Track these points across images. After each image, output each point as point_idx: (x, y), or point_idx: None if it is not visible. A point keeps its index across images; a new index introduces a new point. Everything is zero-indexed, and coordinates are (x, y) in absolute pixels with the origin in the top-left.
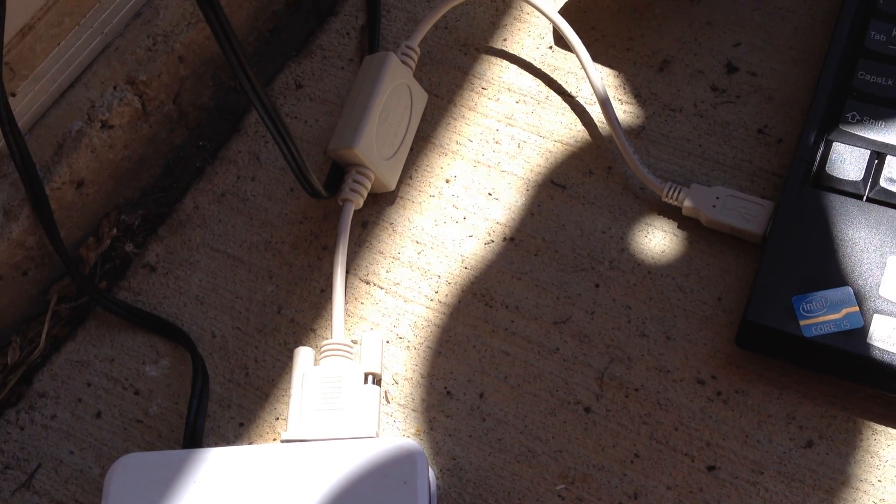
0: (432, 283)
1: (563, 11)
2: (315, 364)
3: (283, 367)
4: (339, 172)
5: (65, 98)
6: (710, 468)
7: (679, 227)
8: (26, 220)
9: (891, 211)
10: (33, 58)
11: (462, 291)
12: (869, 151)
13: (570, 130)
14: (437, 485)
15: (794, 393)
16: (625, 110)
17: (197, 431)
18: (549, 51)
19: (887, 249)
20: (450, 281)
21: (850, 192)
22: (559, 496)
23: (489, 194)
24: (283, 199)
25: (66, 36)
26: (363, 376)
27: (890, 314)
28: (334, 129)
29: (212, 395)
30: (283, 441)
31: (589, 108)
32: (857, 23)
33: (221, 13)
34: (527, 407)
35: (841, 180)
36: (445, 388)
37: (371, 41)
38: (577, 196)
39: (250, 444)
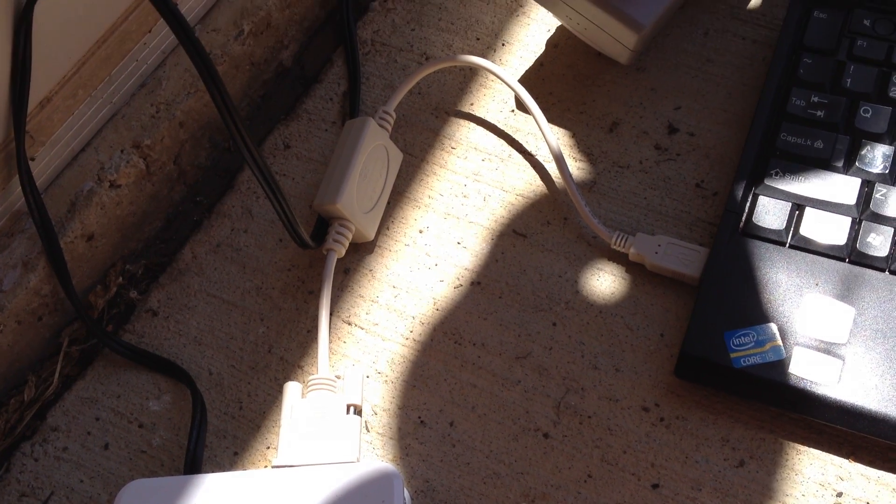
0: (407, 323)
1: (523, 79)
2: (302, 397)
3: (273, 400)
4: (324, 225)
5: (77, 161)
6: (655, 486)
7: (626, 271)
8: (42, 270)
9: (809, 256)
10: (51, 126)
11: (434, 330)
12: (790, 203)
13: (530, 185)
14: None
15: (728, 418)
16: (578, 167)
17: (196, 459)
18: (511, 114)
19: (806, 290)
20: (423, 321)
21: (774, 239)
22: None
23: (458, 243)
24: (273, 249)
25: (80, 106)
26: (346, 407)
27: (808, 346)
28: (319, 186)
29: (209, 426)
30: (274, 467)
31: (547, 165)
32: (780, 89)
33: (223, 87)
34: (492, 433)
35: (766, 229)
36: (419, 417)
37: (352, 106)
38: (537, 244)
39: (244, 470)
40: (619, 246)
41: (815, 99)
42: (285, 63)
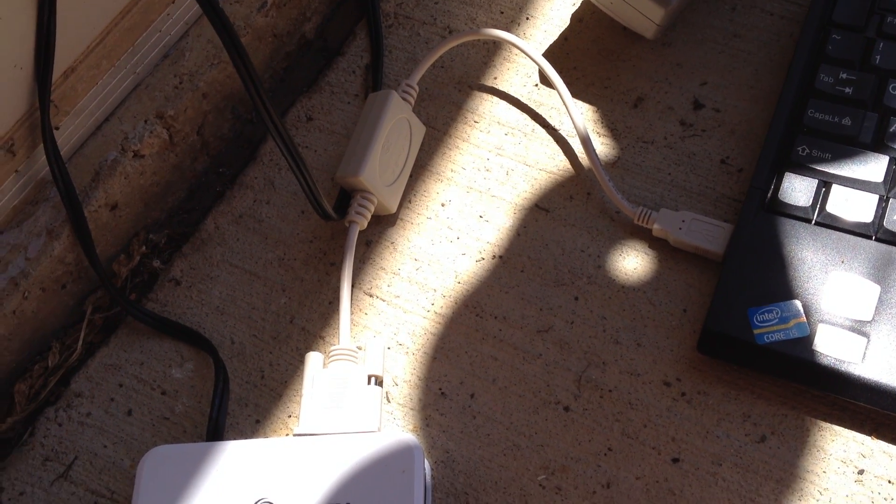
0: (429, 295)
1: (547, 53)
2: (324, 367)
3: (295, 370)
4: (346, 197)
5: (101, 131)
6: (675, 460)
7: (650, 246)
8: (66, 239)
9: (835, 233)
10: (74, 96)
11: (455, 303)
12: (817, 181)
13: (553, 160)
14: (432, 474)
15: (750, 394)
16: (602, 142)
17: (219, 427)
18: (535, 88)
19: (831, 267)
20: (445, 294)
21: (800, 216)
22: (540, 486)
23: (480, 217)
24: (295, 221)
25: (103, 76)
26: (367, 378)
27: (832, 324)
28: (342, 159)
29: (231, 395)
30: (295, 435)
31: (570, 140)
32: (808, 66)
33: (247, 59)
34: (512, 406)
35: (792, 206)
36: (440, 389)
37: (375, 79)
38: (559, 219)
39: (266, 438)
40: (643, 221)
41: (844, 76)
42: (308, 35)
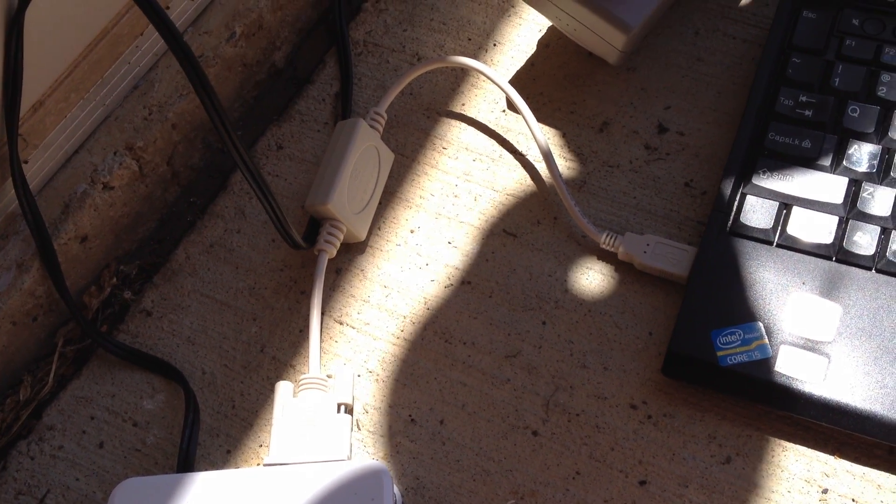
0: (398, 322)
1: (514, 80)
2: (293, 396)
3: (265, 399)
4: (316, 225)
5: (70, 163)
6: (642, 483)
7: (616, 270)
8: (36, 272)
9: (796, 255)
10: (43, 129)
11: (425, 329)
12: (777, 203)
13: (520, 185)
14: (402, 501)
15: (715, 415)
16: (568, 167)
17: (189, 458)
18: (503, 114)
19: (792, 288)
20: (414, 320)
21: (761, 238)
22: None
23: (449, 243)
24: (266, 250)
25: (72, 109)
26: (336, 406)
27: (794, 345)
28: (311, 187)
29: (202, 425)
30: (265, 465)
31: (537, 165)
32: (769, 89)
33: (212, 92)
34: (482, 431)
35: (753, 228)
36: (410, 415)
37: (344, 107)
38: (527, 243)
39: (237, 468)
40: (609, 245)
41: (804, 98)
42: (278, 64)
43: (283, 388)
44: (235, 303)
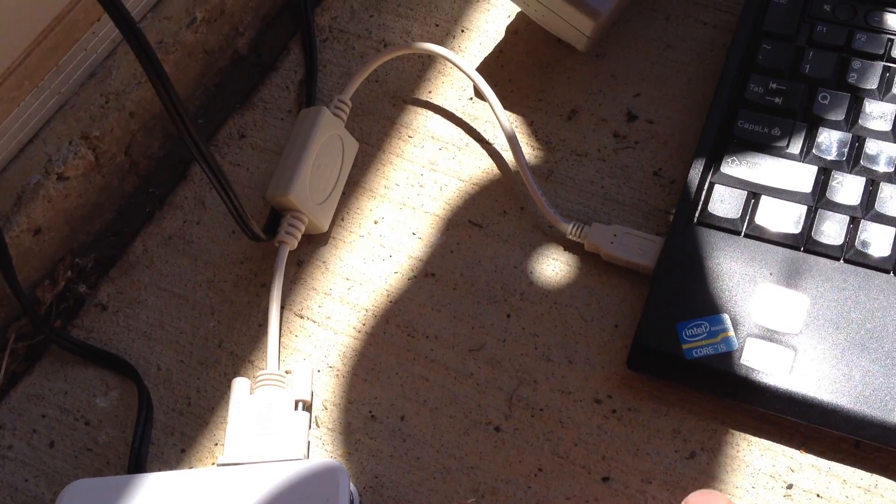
0: (360, 315)
1: (482, 66)
2: (250, 393)
3: (222, 396)
4: (277, 216)
5: (24, 153)
6: (605, 479)
7: (582, 261)
8: None
9: (764, 245)
10: None
11: (387, 323)
12: (746, 192)
13: (487, 174)
14: (360, 501)
15: (680, 409)
16: (536, 155)
17: (141, 458)
18: (470, 102)
19: (759, 279)
20: (376, 314)
21: (729, 228)
22: None
23: (413, 234)
24: (226, 241)
25: (25, 97)
26: (294, 403)
27: (760, 337)
28: (272, 178)
29: (156, 423)
30: (219, 465)
31: (504, 154)
32: (739, 76)
33: (168, 83)
34: (443, 428)
35: (720, 218)
36: (370, 412)
37: (308, 94)
38: (492, 234)
39: (190, 468)
40: (575, 236)
41: (774, 85)
42: (241, 51)
43: (239, 385)
44: (194, 296)
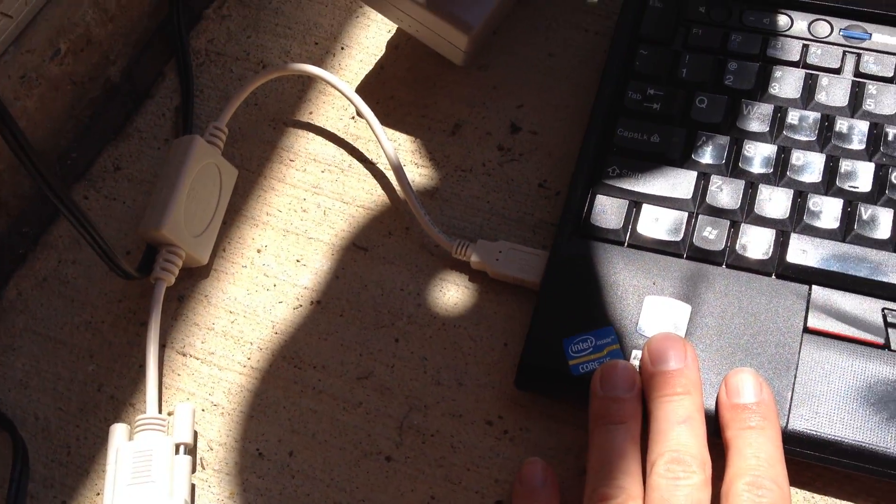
0: (245, 349)
1: (363, 84)
2: (129, 439)
3: (103, 443)
4: (154, 252)
5: None
6: (498, 503)
7: (469, 279)
8: None
9: (647, 254)
10: None
11: (273, 356)
12: (627, 201)
13: (371, 195)
14: None
15: (571, 426)
16: (421, 173)
17: None
18: (352, 121)
19: (644, 290)
20: (261, 347)
21: (612, 239)
22: None
23: (297, 261)
24: (103, 280)
25: None
26: (174, 447)
27: None
28: (144, 212)
29: (35, 475)
30: None
31: (388, 174)
32: (618, 83)
33: (15, 127)
34: (333, 461)
35: (604, 229)
36: (258, 449)
37: (185, 121)
38: (378, 257)
39: None
40: (461, 254)
41: (652, 91)
42: (113, 79)
43: (117, 432)
44: (71, 340)
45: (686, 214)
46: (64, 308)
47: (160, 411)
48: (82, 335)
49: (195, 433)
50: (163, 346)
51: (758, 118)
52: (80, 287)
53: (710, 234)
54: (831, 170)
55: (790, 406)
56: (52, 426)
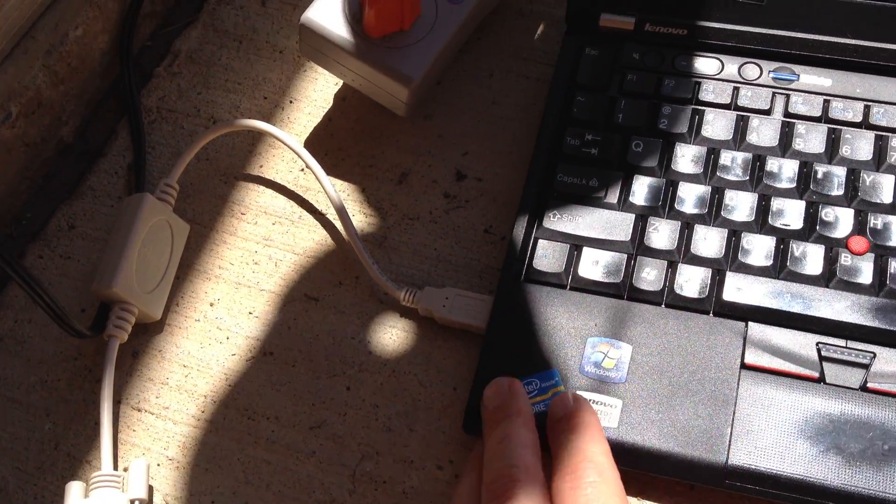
0: (199, 402)
1: (312, 136)
2: (85, 497)
3: (60, 502)
4: (107, 309)
5: None
6: None
7: (418, 326)
8: None
9: (589, 296)
10: None
11: (226, 408)
12: (568, 245)
13: (321, 246)
14: None
15: None
16: (369, 222)
17: None
18: (302, 173)
19: (586, 332)
20: (215, 399)
21: (555, 282)
22: None
23: (250, 313)
24: (58, 338)
25: None
26: (129, 503)
27: (588, 390)
28: (96, 270)
29: None
30: None
31: (337, 224)
32: (557, 129)
33: None
34: None
35: (545, 273)
36: (213, 502)
37: (138, 179)
38: (329, 306)
39: None
40: (409, 302)
41: (589, 137)
42: (66, 139)
43: (73, 490)
44: (27, 399)
45: (625, 256)
46: (20, 367)
47: (115, 468)
48: (38, 394)
49: (150, 488)
50: (118, 402)
51: (691, 160)
52: (35, 346)
53: (649, 275)
54: (763, 209)
55: (730, 441)
56: (10, 486)
